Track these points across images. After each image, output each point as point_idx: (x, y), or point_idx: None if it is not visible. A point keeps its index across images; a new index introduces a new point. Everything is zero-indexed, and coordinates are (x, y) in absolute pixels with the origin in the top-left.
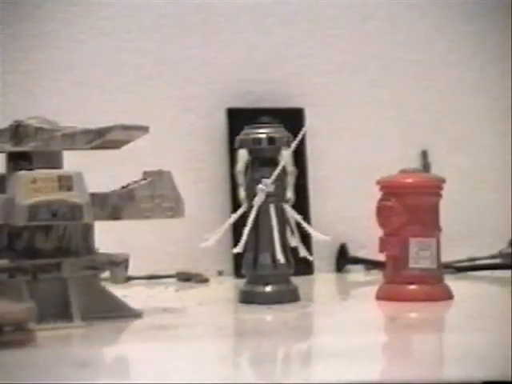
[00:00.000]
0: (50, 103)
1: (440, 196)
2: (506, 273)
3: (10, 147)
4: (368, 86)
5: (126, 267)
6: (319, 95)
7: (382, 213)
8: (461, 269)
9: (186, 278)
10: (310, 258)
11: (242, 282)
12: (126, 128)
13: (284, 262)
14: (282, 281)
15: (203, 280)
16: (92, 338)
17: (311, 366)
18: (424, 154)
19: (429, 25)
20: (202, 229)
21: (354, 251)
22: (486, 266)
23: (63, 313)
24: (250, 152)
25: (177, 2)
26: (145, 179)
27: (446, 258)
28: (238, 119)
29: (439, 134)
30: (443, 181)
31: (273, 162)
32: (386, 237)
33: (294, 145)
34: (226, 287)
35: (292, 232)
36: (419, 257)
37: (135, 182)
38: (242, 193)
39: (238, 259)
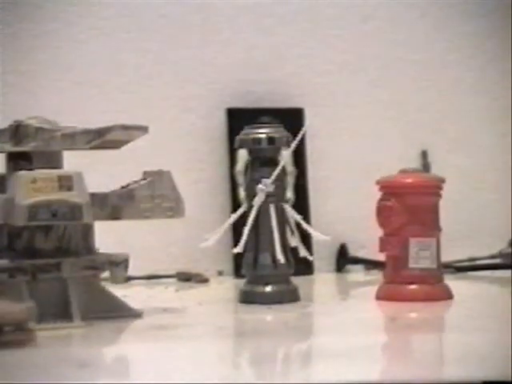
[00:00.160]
0: (50, 103)
1: (440, 196)
2: (506, 273)
3: (10, 147)
4: (368, 86)
5: (126, 267)
6: (319, 95)
7: (382, 213)
8: (461, 269)
9: (185, 278)
10: (310, 258)
11: (242, 282)
12: (125, 128)
13: (284, 262)
14: (282, 281)
15: (203, 280)
16: (92, 338)
17: (311, 365)
18: (424, 154)
19: (429, 25)
20: (201, 229)
21: (354, 251)
22: (486, 266)
23: (63, 313)
24: (250, 152)
25: (177, 2)
26: (145, 179)
27: (446, 257)
28: (238, 119)
29: (439, 134)
30: (443, 181)
31: (273, 162)
32: (386, 237)
33: (293, 145)
34: (226, 287)
35: (292, 232)
36: (419, 257)
37: (135, 181)
38: (241, 193)
39: (238, 259)
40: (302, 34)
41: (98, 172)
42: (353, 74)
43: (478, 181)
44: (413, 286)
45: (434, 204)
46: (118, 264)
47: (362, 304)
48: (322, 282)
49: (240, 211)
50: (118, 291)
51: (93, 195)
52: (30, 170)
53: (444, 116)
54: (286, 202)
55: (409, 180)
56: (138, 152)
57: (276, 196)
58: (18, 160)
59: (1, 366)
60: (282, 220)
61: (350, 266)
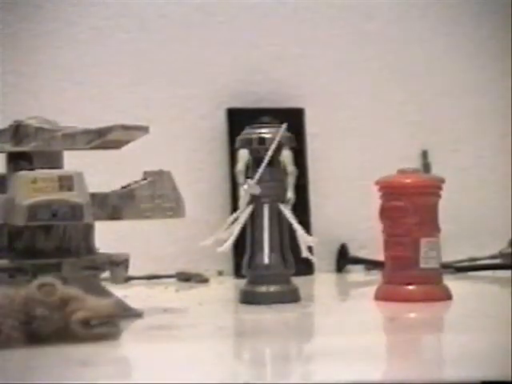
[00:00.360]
0: (51, 103)
1: (439, 196)
2: (506, 273)
3: (10, 147)
4: (368, 86)
5: (126, 267)
6: (319, 95)
7: (392, 213)
8: (461, 269)
9: (186, 278)
10: (313, 259)
11: (242, 282)
12: (126, 128)
13: (280, 263)
14: (282, 281)
15: (203, 280)
16: None
17: (311, 365)
18: (424, 154)
19: (429, 25)
20: (202, 229)
21: (354, 251)
22: (486, 266)
23: None
24: (251, 152)
25: (177, 1)
26: (145, 179)
27: (446, 258)
28: (238, 119)
29: (439, 133)
30: (443, 181)
31: (273, 162)
32: (397, 237)
33: (273, 146)
34: (226, 287)
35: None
36: (428, 257)
37: (135, 181)
38: (242, 193)
39: (238, 259)
40: (302, 34)
41: (98, 172)
42: (353, 74)
43: (478, 181)
44: (414, 287)
45: (436, 204)
46: (118, 264)
47: (363, 304)
48: (323, 282)
49: (248, 211)
50: (118, 291)
51: (93, 195)
52: (31, 170)
53: (444, 116)
54: (286, 202)
55: (408, 180)
56: (139, 152)
57: (273, 196)
58: (18, 160)
59: (1, 366)
60: (280, 220)
61: (350, 266)
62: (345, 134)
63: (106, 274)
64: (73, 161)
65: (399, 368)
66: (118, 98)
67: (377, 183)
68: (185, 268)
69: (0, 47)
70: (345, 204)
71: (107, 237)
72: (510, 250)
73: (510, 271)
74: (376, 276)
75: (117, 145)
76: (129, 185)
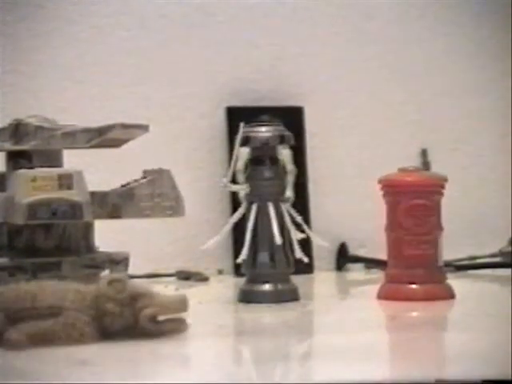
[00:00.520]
0: (51, 102)
1: (442, 194)
2: (506, 271)
3: (9, 146)
4: (368, 85)
5: (126, 266)
6: (319, 94)
7: (414, 212)
8: (461, 267)
9: (185, 276)
10: (305, 260)
11: (241, 280)
12: (125, 127)
13: (280, 261)
14: (281, 280)
15: (203, 279)
16: None
17: (311, 365)
18: (424, 153)
19: (429, 25)
20: (201, 228)
21: (353, 250)
22: (486, 265)
23: None
24: (252, 150)
25: (177, 1)
26: (145, 178)
27: (446, 256)
28: (238, 118)
29: (439, 133)
30: (446, 179)
31: (272, 161)
32: (422, 236)
33: (237, 145)
34: (226, 286)
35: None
36: (440, 255)
37: (135, 180)
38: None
39: (237, 258)
40: (301, 34)
41: (98, 170)
42: (352, 73)
43: (477, 180)
44: (416, 286)
45: (440, 203)
46: (118, 262)
47: (362, 303)
48: (322, 281)
49: (240, 211)
50: None
51: (93, 194)
52: (30, 168)
53: (444, 116)
54: (285, 200)
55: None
56: (138, 151)
57: (275, 195)
58: (17, 158)
59: (1, 366)
60: (281, 219)
61: (350, 265)
62: (344, 133)
63: (106, 273)
64: (72, 159)
65: (400, 367)
66: (118, 96)
67: (379, 181)
68: (185, 267)
69: (0, 47)
70: (344, 202)
71: (107, 235)
72: (509, 248)
73: (509, 270)
74: (376, 275)
75: (117, 143)
76: (128, 183)
